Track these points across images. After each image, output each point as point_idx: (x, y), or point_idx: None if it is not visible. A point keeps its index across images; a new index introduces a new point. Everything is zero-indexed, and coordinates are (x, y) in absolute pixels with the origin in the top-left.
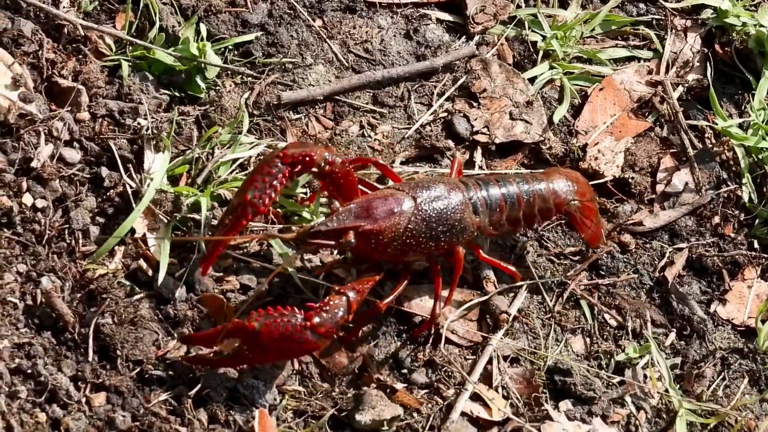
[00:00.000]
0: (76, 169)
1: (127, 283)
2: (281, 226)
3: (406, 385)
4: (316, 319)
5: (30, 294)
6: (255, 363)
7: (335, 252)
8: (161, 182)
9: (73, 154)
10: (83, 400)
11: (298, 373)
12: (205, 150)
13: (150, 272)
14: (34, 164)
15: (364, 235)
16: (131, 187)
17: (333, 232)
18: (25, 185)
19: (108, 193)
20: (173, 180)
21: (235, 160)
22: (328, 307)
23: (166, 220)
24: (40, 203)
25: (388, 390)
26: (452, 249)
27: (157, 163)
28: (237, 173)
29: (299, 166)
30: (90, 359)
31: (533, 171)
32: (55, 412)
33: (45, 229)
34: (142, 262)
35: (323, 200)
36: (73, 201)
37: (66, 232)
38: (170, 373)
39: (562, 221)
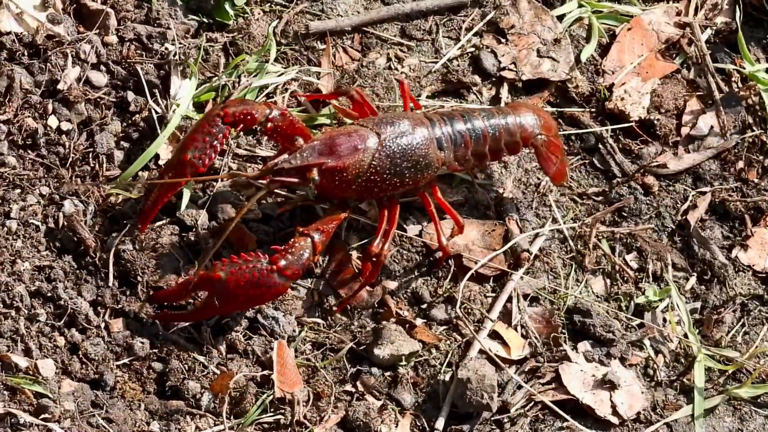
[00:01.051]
0: (102, 92)
1: None
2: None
3: (425, 320)
4: (282, 262)
5: (52, 217)
6: (224, 312)
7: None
8: (187, 109)
9: (99, 78)
10: (102, 325)
11: (318, 305)
12: (232, 78)
13: (173, 199)
14: (60, 86)
15: (327, 172)
16: (157, 112)
17: (296, 169)
18: (50, 107)
19: (133, 118)
20: (199, 107)
21: (261, 89)
22: (293, 249)
23: None
24: (65, 126)
25: (407, 325)
26: (417, 185)
27: (183, 90)
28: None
29: (241, 125)
30: (110, 284)
31: (500, 106)
32: (73, 337)
33: (69, 152)
34: None
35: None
36: (98, 125)
37: (90, 155)
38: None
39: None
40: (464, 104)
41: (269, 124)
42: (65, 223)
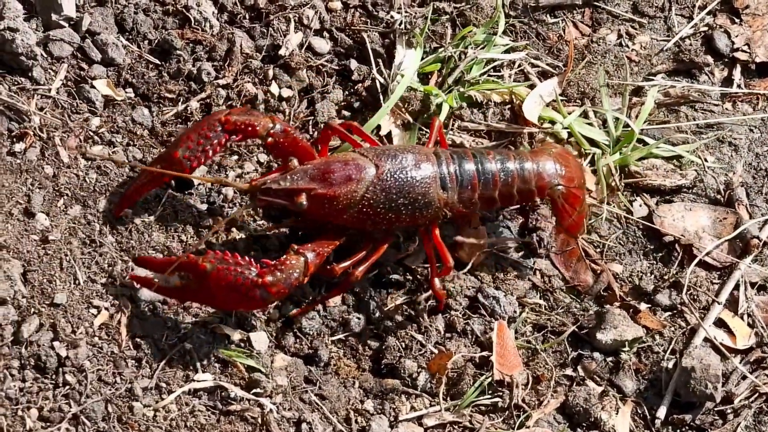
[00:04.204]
0: (324, 59)
1: None
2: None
3: (649, 306)
4: (269, 278)
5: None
6: (199, 302)
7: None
8: (411, 79)
9: (322, 44)
10: (318, 297)
11: (540, 285)
12: (458, 49)
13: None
14: (282, 52)
15: (317, 198)
16: (380, 82)
17: (285, 191)
18: (271, 73)
19: (355, 87)
20: (423, 78)
21: (488, 61)
22: (283, 267)
23: (411, 120)
24: (286, 93)
25: (631, 310)
26: (415, 223)
27: (408, 60)
28: (489, 75)
29: (240, 135)
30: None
31: (520, 150)
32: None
33: (289, 120)
34: None
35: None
36: (320, 92)
37: (310, 123)
38: (408, 277)
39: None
40: (485, 144)
41: (270, 139)
42: None
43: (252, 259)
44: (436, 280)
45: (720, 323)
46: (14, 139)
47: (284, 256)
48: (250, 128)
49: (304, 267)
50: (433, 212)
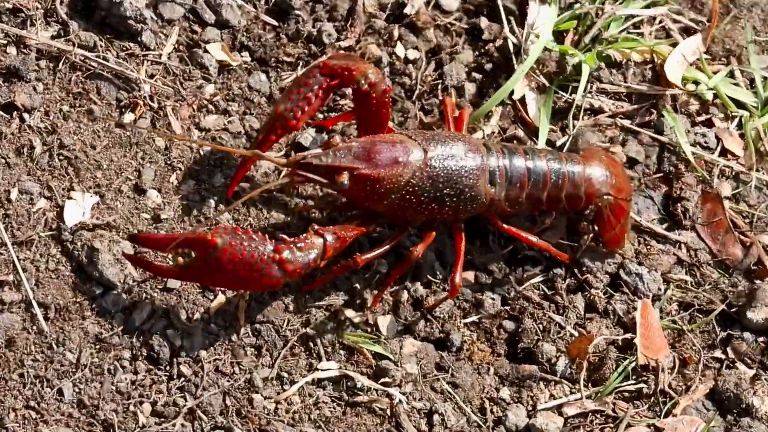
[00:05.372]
0: (452, 18)
1: None
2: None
3: None
4: (286, 254)
5: None
6: (202, 282)
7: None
8: (547, 39)
9: (450, 2)
10: (447, 278)
11: (686, 260)
12: (595, 5)
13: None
14: (407, 10)
15: (359, 179)
16: (512, 42)
17: (326, 168)
18: (396, 33)
19: (486, 47)
20: (557, 36)
21: (627, 18)
22: (302, 245)
23: (547, 83)
24: (412, 54)
25: None
26: (456, 217)
27: (542, 17)
28: (628, 32)
29: (338, 80)
30: None
31: (570, 152)
32: (417, 291)
33: (415, 83)
34: (518, 128)
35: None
36: (448, 53)
37: (438, 87)
38: (545, 254)
39: None
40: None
41: (365, 86)
42: None
43: (266, 235)
44: (458, 276)
45: None
46: (123, 110)
47: (303, 235)
48: (347, 72)
49: (323, 248)
50: (477, 207)
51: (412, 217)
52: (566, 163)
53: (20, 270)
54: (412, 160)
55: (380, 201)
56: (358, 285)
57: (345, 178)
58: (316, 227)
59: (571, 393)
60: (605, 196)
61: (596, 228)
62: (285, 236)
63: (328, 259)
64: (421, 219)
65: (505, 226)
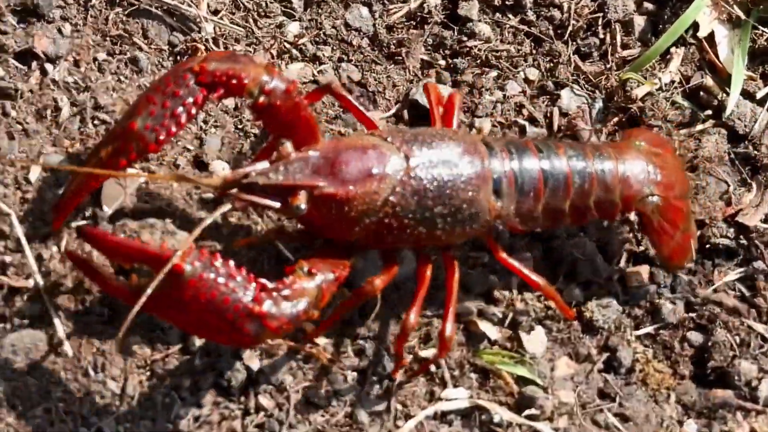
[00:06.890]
0: None
1: (686, 104)
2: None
3: None
4: (269, 307)
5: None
6: (159, 316)
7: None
8: None
9: None
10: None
11: None
12: None
13: (718, 96)
14: None
15: (322, 200)
16: None
17: (277, 188)
18: None
19: None
20: None
21: None
22: (289, 292)
23: (743, 15)
24: None
25: None
26: (450, 242)
27: None
28: None
29: (221, 90)
30: None
31: (599, 142)
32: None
33: (567, 20)
34: (705, 75)
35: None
36: None
37: (599, 22)
38: (743, 241)
39: None
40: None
41: (262, 98)
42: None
43: (253, 276)
44: (448, 326)
45: None
46: (178, 57)
47: (290, 277)
48: (234, 80)
49: (318, 293)
50: (479, 228)
51: (392, 245)
52: (594, 159)
53: (37, 275)
54: (391, 171)
55: (350, 228)
56: (497, 292)
57: (302, 200)
58: (305, 266)
59: None
60: (649, 198)
61: (650, 241)
62: (267, 282)
63: (323, 305)
64: (404, 246)
65: (503, 255)
